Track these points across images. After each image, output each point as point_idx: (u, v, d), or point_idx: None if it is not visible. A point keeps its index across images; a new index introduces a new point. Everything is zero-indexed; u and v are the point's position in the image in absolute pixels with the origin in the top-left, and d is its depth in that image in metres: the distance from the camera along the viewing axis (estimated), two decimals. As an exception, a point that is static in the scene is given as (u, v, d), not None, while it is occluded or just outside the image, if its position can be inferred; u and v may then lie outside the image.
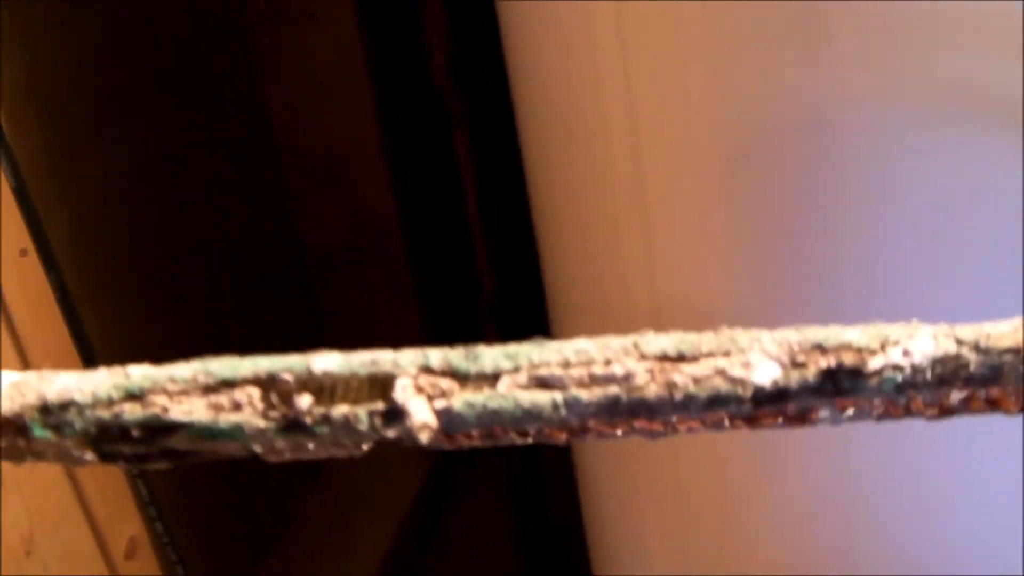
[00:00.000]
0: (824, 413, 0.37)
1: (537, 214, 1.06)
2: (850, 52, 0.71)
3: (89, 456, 0.42)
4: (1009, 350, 0.32)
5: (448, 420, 0.34)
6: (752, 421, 0.37)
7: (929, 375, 0.32)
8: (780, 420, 0.37)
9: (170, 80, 1.49)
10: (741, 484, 0.95)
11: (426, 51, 1.64)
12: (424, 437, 0.33)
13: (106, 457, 0.42)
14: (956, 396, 0.36)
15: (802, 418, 0.37)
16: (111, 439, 0.37)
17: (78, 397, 0.37)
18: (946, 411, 0.37)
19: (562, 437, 0.39)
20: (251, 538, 1.62)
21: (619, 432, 0.38)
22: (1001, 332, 0.32)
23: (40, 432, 0.38)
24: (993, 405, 0.37)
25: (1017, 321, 0.33)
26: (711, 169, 0.80)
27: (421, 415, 0.33)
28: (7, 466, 1.00)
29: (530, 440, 0.40)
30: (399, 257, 1.85)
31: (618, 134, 0.83)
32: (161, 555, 1.11)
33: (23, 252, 1.08)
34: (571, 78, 0.87)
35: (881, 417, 0.37)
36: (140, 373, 0.37)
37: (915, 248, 0.76)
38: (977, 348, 0.32)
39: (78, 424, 0.37)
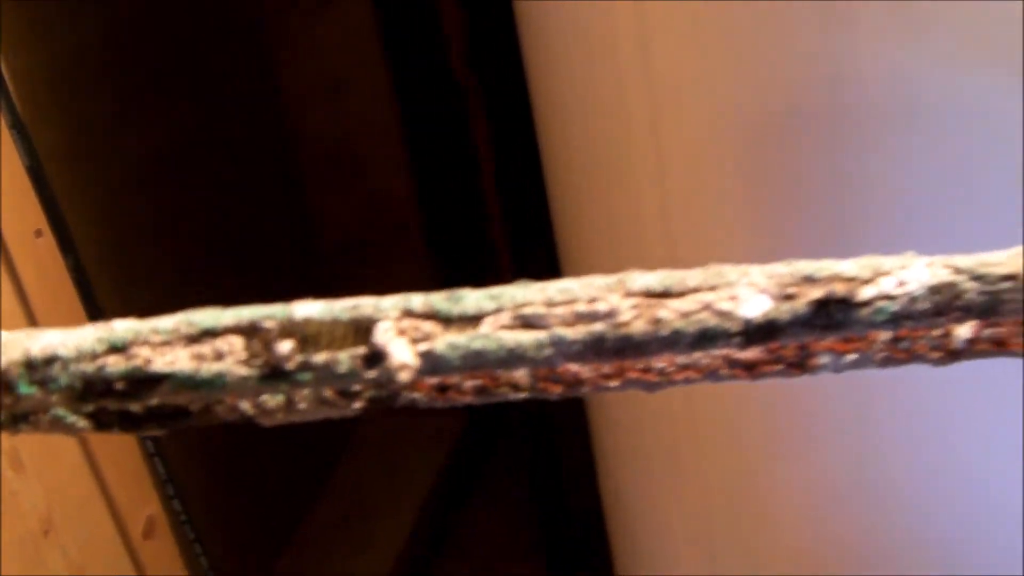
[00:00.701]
0: (825, 359, 0.36)
1: (554, 200, 1.05)
2: (870, 30, 0.69)
3: (79, 421, 0.41)
4: (1007, 277, 0.31)
5: (431, 362, 0.33)
6: (751, 369, 0.36)
7: (924, 305, 0.31)
8: (780, 367, 0.36)
9: (186, 67, 1.49)
10: (763, 471, 0.93)
11: (443, 37, 1.63)
12: (404, 376, 0.32)
13: (98, 422, 0.42)
14: (960, 337, 0.35)
15: (802, 364, 0.36)
16: (96, 394, 0.37)
17: (62, 352, 0.37)
18: (951, 354, 0.36)
19: (556, 389, 0.38)
20: (270, 517, 1.63)
21: (614, 384, 0.37)
22: (998, 259, 0.31)
23: (26, 388, 0.38)
24: (999, 345, 0.36)
25: (1016, 249, 0.32)
26: (731, 153, 0.79)
27: (401, 356, 0.32)
28: (26, 449, 1.00)
29: (524, 394, 0.39)
30: (418, 245, 1.85)
31: (637, 116, 0.82)
32: (179, 534, 1.11)
33: (38, 233, 1.08)
34: (589, 61, 0.86)
35: (885, 362, 0.36)
36: (124, 326, 0.37)
37: (936, 225, 0.75)
38: (973, 276, 0.31)
39: (63, 379, 0.37)
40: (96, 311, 1.12)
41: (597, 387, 0.34)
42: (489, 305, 0.33)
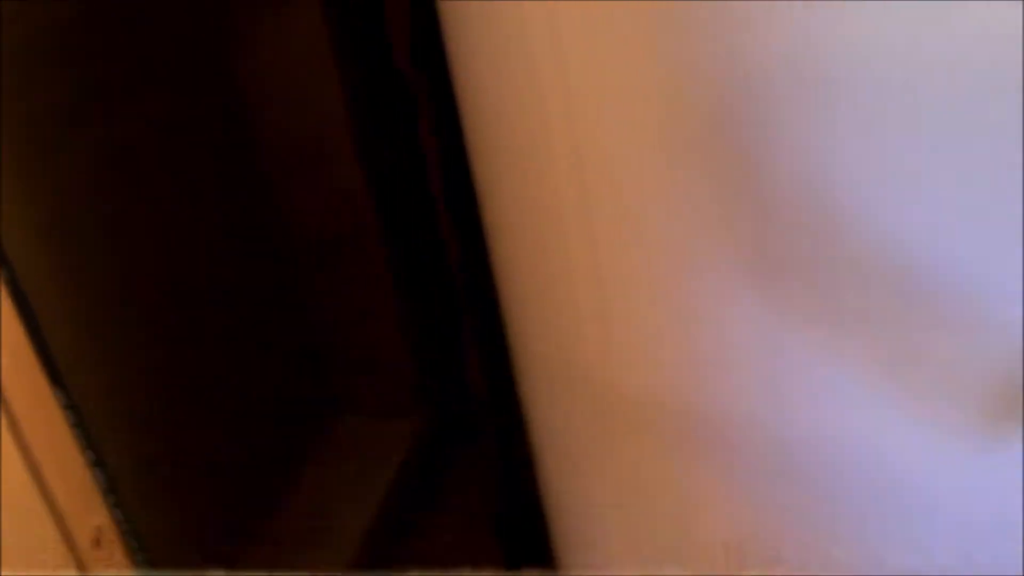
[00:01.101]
0: None
1: (483, 197, 1.05)
2: (792, 43, 0.68)
3: None
4: None
5: None
6: None
7: None
8: None
9: (138, 71, 1.47)
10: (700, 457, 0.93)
11: (389, 37, 1.64)
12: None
13: None
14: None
15: None
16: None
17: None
18: None
19: None
20: (226, 525, 1.62)
21: None
22: None
23: None
24: None
25: None
26: (652, 155, 0.79)
27: None
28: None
29: None
30: (374, 243, 1.85)
31: (554, 112, 0.82)
32: (127, 544, 1.11)
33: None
34: (505, 59, 0.86)
35: None
36: None
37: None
38: None
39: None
40: (33, 324, 1.11)
41: None
42: None
